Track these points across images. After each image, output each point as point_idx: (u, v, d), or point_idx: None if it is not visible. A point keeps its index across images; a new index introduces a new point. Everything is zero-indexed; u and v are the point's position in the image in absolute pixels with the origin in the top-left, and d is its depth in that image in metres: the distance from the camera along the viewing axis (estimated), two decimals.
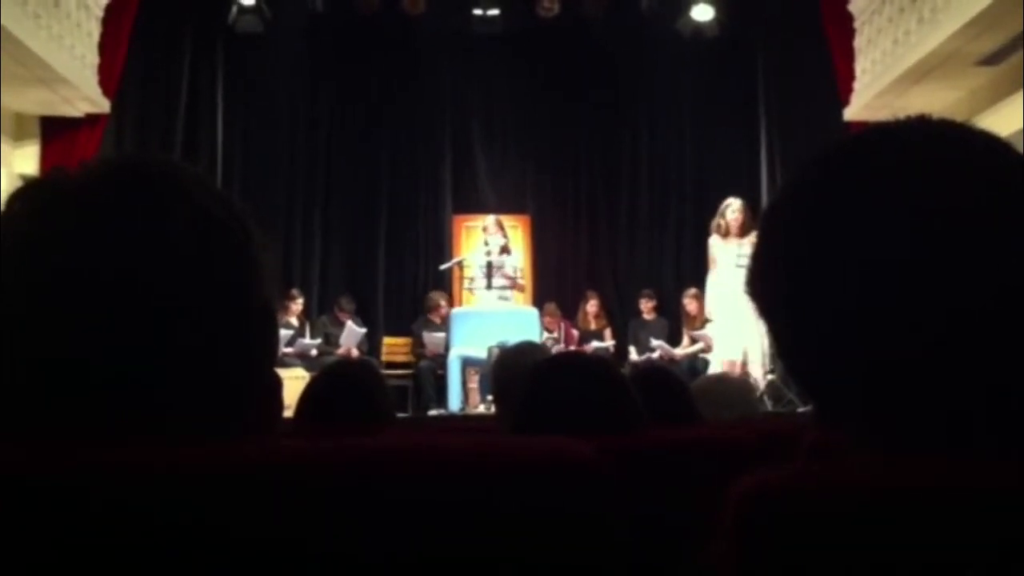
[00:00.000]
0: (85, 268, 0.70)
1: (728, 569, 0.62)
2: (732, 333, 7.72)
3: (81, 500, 0.60)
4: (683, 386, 2.53)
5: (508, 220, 10.41)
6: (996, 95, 7.38)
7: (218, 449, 0.65)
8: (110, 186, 0.74)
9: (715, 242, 8.05)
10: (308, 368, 7.77)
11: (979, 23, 6.53)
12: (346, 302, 9.77)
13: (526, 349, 3.21)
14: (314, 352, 9.10)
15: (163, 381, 0.71)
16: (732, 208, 8.02)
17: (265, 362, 0.79)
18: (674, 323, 9.84)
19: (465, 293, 9.50)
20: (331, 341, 9.38)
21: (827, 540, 0.59)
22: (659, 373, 2.67)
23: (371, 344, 9.89)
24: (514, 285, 8.81)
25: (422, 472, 0.65)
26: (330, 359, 8.36)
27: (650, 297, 9.99)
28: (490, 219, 9.30)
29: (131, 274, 0.71)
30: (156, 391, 0.70)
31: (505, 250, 8.99)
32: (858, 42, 8.81)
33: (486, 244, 9.02)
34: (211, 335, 0.73)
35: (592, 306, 9.96)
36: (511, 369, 3.02)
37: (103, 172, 0.76)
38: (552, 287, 10.36)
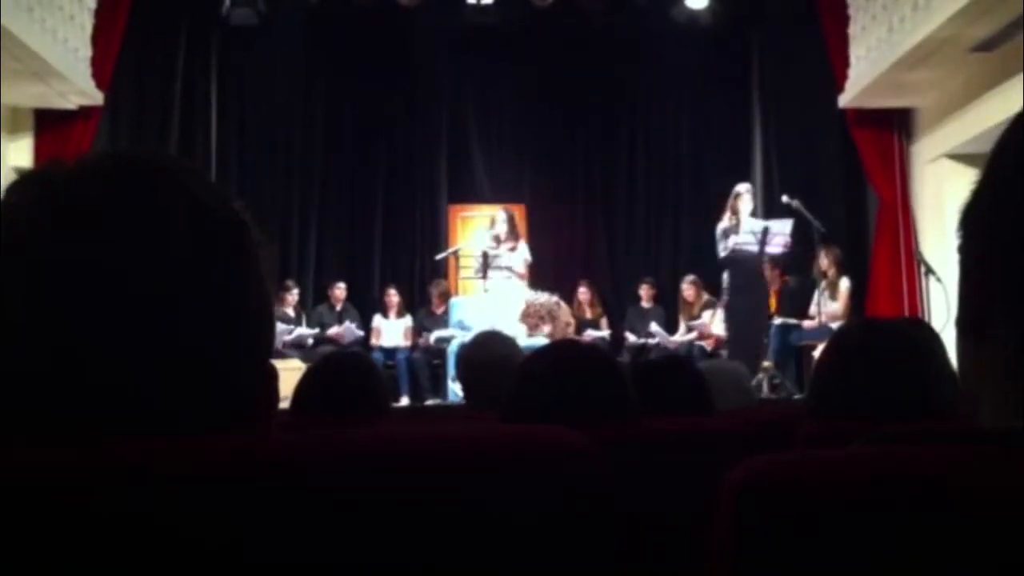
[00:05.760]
0: (81, 262, 0.70)
1: (724, 558, 0.62)
2: None
3: (78, 499, 0.60)
4: (701, 376, 2.50)
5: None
6: (992, 81, 7.38)
7: (207, 447, 0.65)
8: (107, 180, 0.74)
9: None
10: (304, 359, 7.79)
11: (974, 9, 6.52)
12: (337, 283, 9.85)
13: (490, 339, 3.23)
14: (310, 342, 9.14)
15: (159, 376, 0.71)
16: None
17: (262, 356, 0.79)
18: (671, 311, 9.85)
19: (461, 283, 9.54)
20: (327, 331, 9.42)
21: (824, 528, 0.58)
22: (677, 364, 2.65)
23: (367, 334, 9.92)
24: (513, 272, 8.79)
25: (412, 464, 0.65)
26: (326, 349, 8.40)
27: (651, 285, 10.01)
28: (500, 213, 9.24)
29: (127, 268, 0.70)
30: (152, 385, 0.70)
31: (511, 237, 8.89)
32: (853, 29, 8.80)
33: (493, 227, 8.97)
34: (208, 330, 0.73)
35: (583, 294, 9.97)
36: (476, 360, 3.04)
37: (100, 166, 0.76)
38: (548, 276, 10.36)
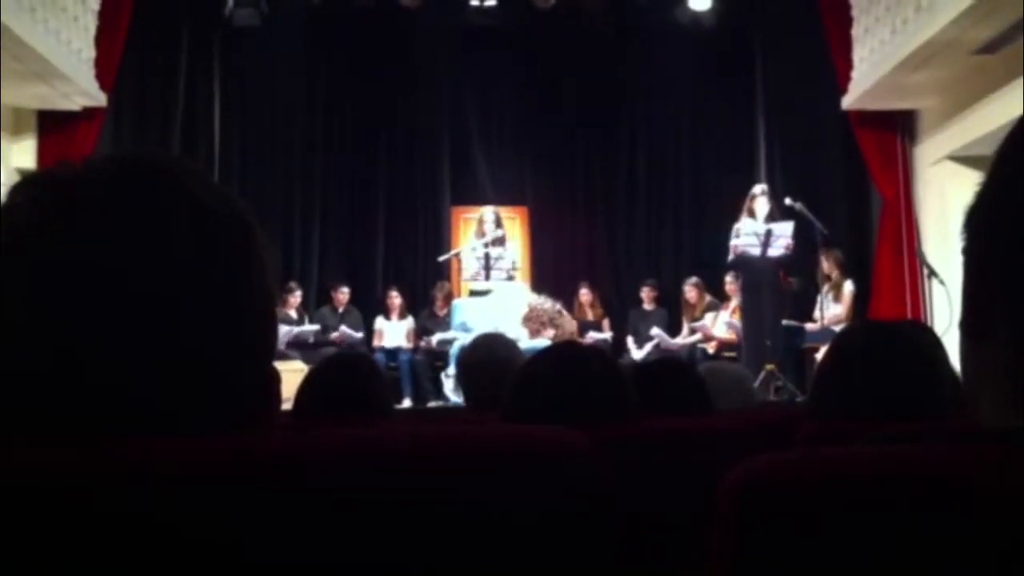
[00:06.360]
0: (82, 262, 0.70)
1: (724, 557, 0.62)
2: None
3: (78, 499, 0.60)
4: (700, 378, 2.51)
5: (506, 212, 10.44)
6: (995, 84, 7.38)
7: (207, 447, 0.65)
8: (110, 181, 0.74)
9: None
10: (306, 361, 7.80)
11: (976, 11, 6.52)
12: (340, 287, 9.87)
13: (490, 341, 3.24)
14: (311, 339, 9.16)
15: (159, 376, 0.71)
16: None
17: (264, 358, 0.79)
18: (674, 314, 9.84)
19: (463, 284, 9.57)
20: (329, 332, 9.44)
21: (825, 528, 0.58)
22: (676, 366, 2.65)
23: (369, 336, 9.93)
24: (509, 278, 8.86)
25: (413, 464, 0.65)
26: (328, 350, 8.41)
27: (653, 287, 10.00)
28: (488, 212, 9.35)
29: (128, 269, 0.71)
30: (152, 386, 0.70)
31: (500, 242, 9.02)
32: (856, 31, 8.80)
33: (483, 235, 9.05)
34: (210, 330, 0.73)
35: (584, 296, 9.98)
36: (475, 362, 3.05)
37: (103, 167, 0.76)
38: (550, 279, 10.36)
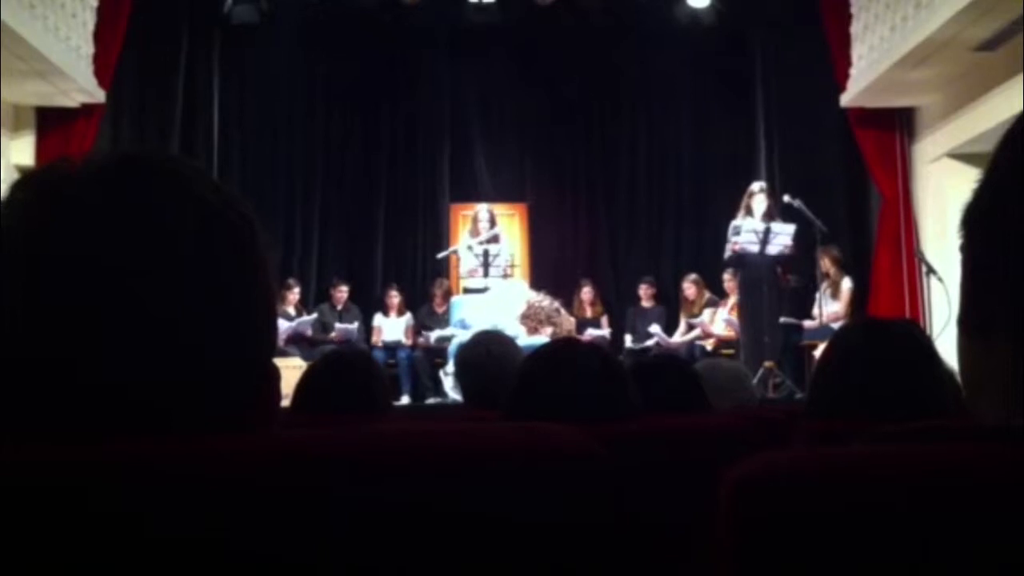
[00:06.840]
0: (82, 260, 0.70)
1: (724, 555, 0.62)
2: None
3: (76, 499, 0.60)
4: (695, 375, 2.51)
5: (505, 209, 10.44)
6: (994, 81, 7.38)
7: (207, 447, 0.65)
8: (109, 178, 0.74)
9: None
10: (305, 358, 7.79)
11: (976, 8, 6.53)
12: (340, 286, 9.86)
13: (488, 339, 3.24)
14: (309, 331, 9.17)
15: (159, 375, 0.70)
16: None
17: (264, 356, 0.79)
18: (672, 311, 9.85)
19: (462, 281, 9.58)
20: (328, 329, 9.45)
21: (824, 526, 0.58)
22: (670, 362, 2.65)
23: (368, 333, 9.94)
24: (505, 275, 8.86)
25: (415, 462, 0.65)
26: (327, 348, 8.41)
27: (651, 284, 10.00)
28: (483, 211, 9.36)
29: (128, 267, 0.70)
30: (152, 385, 0.70)
31: (494, 240, 9.02)
32: (855, 28, 8.80)
33: (477, 234, 9.06)
34: (210, 329, 0.73)
35: (586, 293, 9.97)
36: (473, 360, 3.05)
37: (103, 165, 0.76)
38: (549, 276, 10.36)
